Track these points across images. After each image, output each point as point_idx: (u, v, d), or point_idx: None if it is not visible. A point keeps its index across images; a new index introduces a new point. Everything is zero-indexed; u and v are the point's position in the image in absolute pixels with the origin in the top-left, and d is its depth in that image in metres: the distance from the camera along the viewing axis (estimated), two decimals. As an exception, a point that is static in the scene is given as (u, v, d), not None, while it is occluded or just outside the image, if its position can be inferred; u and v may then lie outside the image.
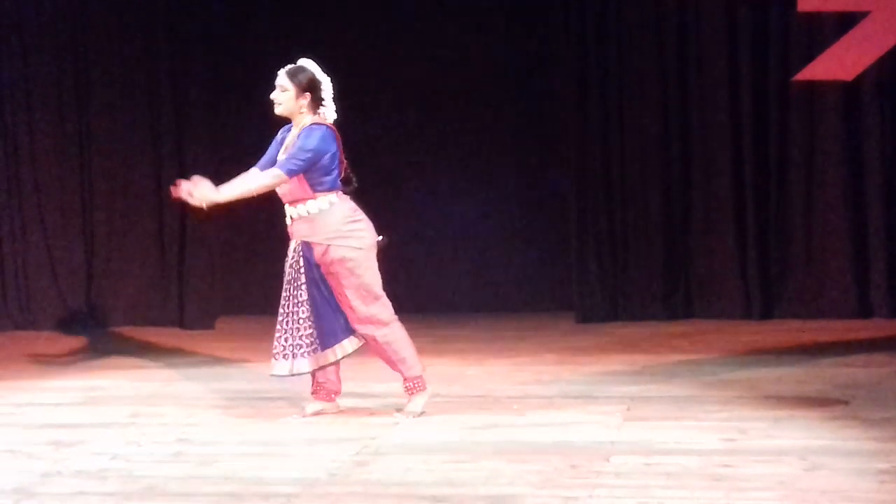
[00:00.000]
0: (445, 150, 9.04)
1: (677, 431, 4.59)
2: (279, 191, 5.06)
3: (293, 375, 5.04)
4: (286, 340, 5.00)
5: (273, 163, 5.06)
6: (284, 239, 9.11)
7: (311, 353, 4.99)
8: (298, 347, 4.99)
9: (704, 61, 8.26)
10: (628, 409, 5.04)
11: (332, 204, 5.01)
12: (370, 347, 5.05)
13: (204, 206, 5.03)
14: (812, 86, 7.88)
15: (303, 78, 5.02)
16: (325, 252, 4.98)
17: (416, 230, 9.11)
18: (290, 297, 5.04)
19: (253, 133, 9.13)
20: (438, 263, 9.07)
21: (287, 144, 5.07)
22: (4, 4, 8.51)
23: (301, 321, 4.99)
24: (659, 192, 8.34)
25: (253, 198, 5.14)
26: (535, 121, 8.89)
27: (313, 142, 4.94)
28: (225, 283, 9.07)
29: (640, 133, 8.35)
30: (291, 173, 4.93)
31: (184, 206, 5.13)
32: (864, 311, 8.01)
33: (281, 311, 5.05)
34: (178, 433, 4.80)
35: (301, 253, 5.03)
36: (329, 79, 5.09)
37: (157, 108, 8.63)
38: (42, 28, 8.54)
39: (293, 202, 5.03)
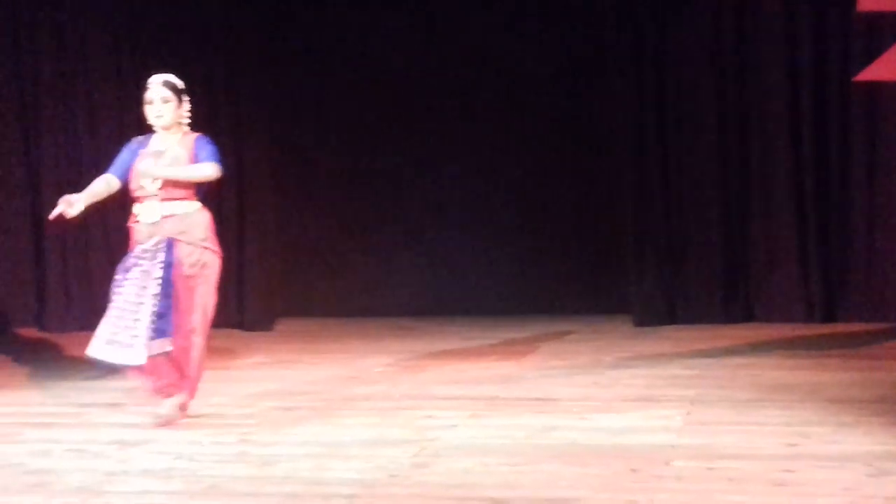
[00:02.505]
0: (502, 151, 9.04)
1: (739, 436, 4.55)
2: (147, 186, 5.03)
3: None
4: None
5: (127, 171, 5.11)
6: (340, 241, 9.30)
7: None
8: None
9: (763, 63, 8.18)
10: (688, 414, 5.00)
11: (199, 210, 5.13)
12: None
13: (79, 206, 5.06)
14: (873, 86, 7.77)
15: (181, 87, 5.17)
16: (192, 253, 5.06)
17: (475, 231, 9.13)
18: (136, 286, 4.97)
19: (308, 129, 9.32)
20: (497, 265, 9.07)
21: (173, 155, 5.09)
22: (63, 15, 8.68)
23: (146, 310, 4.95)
24: (718, 194, 8.27)
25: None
26: (592, 122, 8.86)
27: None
28: (284, 284, 9.14)
29: (699, 134, 8.29)
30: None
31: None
32: (929, 313, 7.88)
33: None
34: (240, 433, 4.85)
35: (163, 249, 5.04)
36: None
37: (215, 105, 8.66)
38: (94, 23, 8.70)
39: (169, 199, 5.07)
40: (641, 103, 8.33)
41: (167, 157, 5.08)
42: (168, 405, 5.09)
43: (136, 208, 5.12)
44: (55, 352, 7.77)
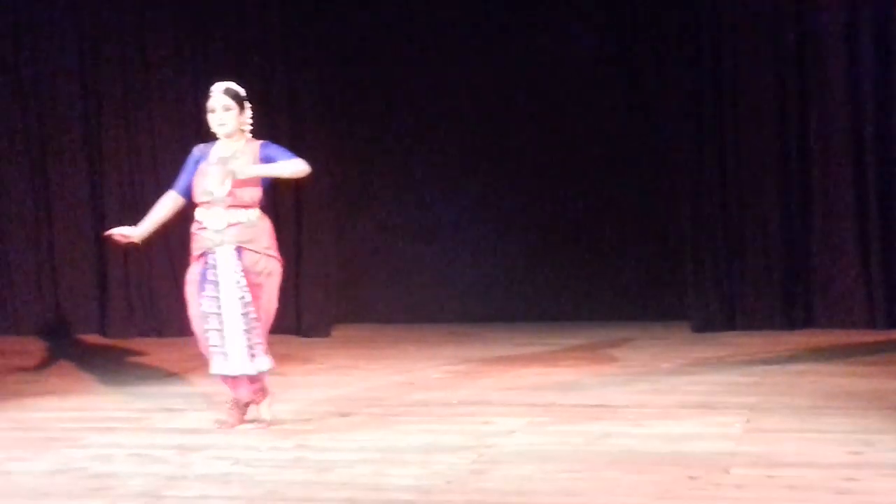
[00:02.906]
0: (559, 157, 9.00)
1: (800, 443, 4.49)
2: (215, 191, 5.03)
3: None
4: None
5: (190, 186, 5.12)
6: (396, 248, 9.32)
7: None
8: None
9: (824, 66, 8.06)
10: (748, 421, 4.95)
11: (260, 217, 5.13)
12: None
13: (135, 239, 5.25)
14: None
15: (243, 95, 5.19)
16: (258, 261, 5.05)
17: (531, 237, 9.11)
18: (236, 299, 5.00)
19: (365, 138, 9.37)
20: (553, 271, 9.04)
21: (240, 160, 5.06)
22: (125, 21, 8.86)
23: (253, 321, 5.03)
24: (778, 198, 8.16)
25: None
26: (648, 127, 8.79)
27: None
28: (341, 291, 9.18)
29: (758, 138, 8.19)
30: None
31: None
32: None
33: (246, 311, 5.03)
34: (297, 439, 4.88)
35: (237, 258, 5.03)
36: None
37: (273, 115, 8.71)
38: (163, 38, 8.85)
39: (235, 206, 5.05)
40: (700, 109, 8.25)
41: (233, 164, 5.07)
42: (229, 412, 5.17)
43: (200, 214, 5.11)
44: (117, 357, 7.88)
